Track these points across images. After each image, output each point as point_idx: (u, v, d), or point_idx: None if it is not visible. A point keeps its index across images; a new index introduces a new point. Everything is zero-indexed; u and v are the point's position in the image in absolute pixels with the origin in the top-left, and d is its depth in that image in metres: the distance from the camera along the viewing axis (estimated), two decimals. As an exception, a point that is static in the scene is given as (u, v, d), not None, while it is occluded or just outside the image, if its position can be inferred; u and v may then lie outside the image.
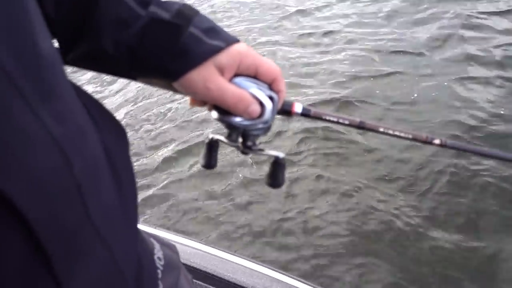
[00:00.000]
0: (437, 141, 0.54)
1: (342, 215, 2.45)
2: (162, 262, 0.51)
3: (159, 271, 0.49)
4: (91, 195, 0.31)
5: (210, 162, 0.55)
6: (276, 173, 0.53)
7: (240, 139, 0.51)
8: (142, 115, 3.84)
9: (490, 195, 2.42)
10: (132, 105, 4.04)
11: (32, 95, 0.26)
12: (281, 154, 0.53)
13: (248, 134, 0.50)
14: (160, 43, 0.45)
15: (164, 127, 3.60)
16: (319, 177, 2.74)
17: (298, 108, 0.53)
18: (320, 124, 2.99)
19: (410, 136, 0.54)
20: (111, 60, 0.45)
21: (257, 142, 0.52)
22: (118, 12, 0.44)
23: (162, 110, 3.85)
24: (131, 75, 0.48)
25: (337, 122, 0.54)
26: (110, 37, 0.44)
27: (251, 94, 0.47)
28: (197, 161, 3.08)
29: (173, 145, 3.34)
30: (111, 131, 0.41)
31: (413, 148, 2.79)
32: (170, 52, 0.45)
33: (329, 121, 0.54)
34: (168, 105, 3.89)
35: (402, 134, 0.54)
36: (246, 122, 0.49)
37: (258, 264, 1.10)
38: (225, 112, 0.48)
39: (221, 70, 0.46)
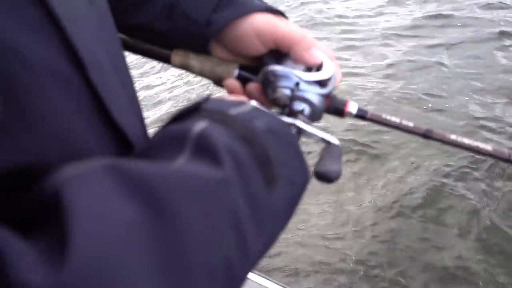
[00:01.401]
0: None
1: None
2: None
3: None
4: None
5: None
6: (325, 161, 0.42)
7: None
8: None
9: None
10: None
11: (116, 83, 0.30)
12: (335, 141, 0.43)
13: (298, 98, 0.43)
14: None
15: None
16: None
17: (352, 107, 0.47)
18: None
19: (490, 149, 0.45)
20: (148, 14, 0.45)
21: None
22: None
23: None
24: (168, 43, 0.47)
25: (399, 128, 0.46)
26: None
27: None
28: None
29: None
30: None
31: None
32: None
33: (388, 125, 0.46)
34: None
35: (479, 146, 0.45)
36: (303, 73, 0.44)
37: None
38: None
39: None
